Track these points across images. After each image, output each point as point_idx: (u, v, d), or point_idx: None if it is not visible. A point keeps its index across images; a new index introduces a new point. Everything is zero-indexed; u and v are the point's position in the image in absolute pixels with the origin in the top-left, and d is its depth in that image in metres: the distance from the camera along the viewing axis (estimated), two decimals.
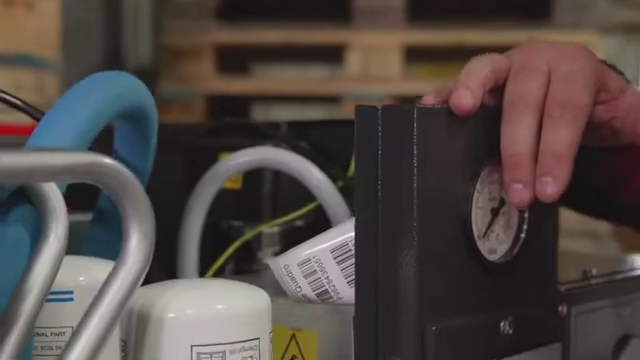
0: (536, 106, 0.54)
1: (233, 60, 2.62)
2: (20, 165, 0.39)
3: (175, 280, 0.50)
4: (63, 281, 0.53)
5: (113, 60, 2.67)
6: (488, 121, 0.55)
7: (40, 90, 1.65)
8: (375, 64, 2.45)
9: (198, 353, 0.45)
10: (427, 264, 0.51)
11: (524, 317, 0.57)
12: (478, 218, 0.55)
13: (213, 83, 2.58)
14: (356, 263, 0.51)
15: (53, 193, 0.47)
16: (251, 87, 2.58)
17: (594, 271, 0.67)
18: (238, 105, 2.57)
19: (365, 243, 0.51)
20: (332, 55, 2.53)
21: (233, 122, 0.76)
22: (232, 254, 0.67)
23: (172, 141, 0.77)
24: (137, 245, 0.43)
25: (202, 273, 0.67)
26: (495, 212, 0.56)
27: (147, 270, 0.44)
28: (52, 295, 0.52)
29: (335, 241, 0.53)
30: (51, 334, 0.53)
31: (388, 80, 2.44)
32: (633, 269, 0.71)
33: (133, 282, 0.43)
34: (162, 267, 0.61)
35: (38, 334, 0.52)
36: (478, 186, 0.54)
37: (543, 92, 0.55)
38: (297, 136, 0.72)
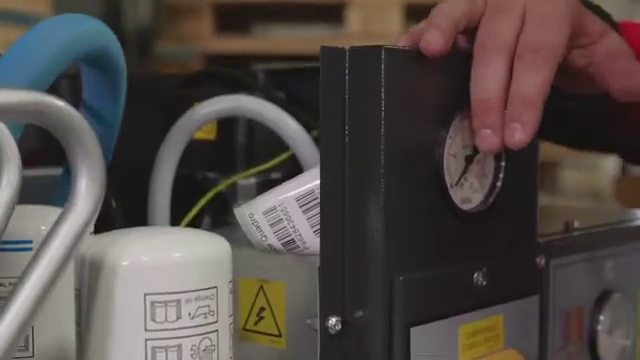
0: (508, 48, 0.52)
1: (232, 19, 2.59)
2: None
3: (132, 228, 0.49)
4: (22, 230, 0.51)
5: (112, 19, 2.64)
6: (463, 65, 0.53)
7: None
8: (375, 22, 2.42)
9: (152, 302, 0.43)
10: (395, 212, 0.49)
11: (499, 268, 0.55)
12: (451, 166, 0.53)
13: (212, 42, 2.55)
14: (321, 211, 0.49)
15: (5, 138, 0.45)
16: (250, 46, 2.55)
17: (576, 223, 0.65)
18: (237, 65, 2.55)
19: (331, 191, 0.49)
20: (332, 14, 2.50)
21: (211, 72, 0.74)
22: (207, 207, 0.66)
23: (150, 91, 0.76)
24: (86, 190, 0.42)
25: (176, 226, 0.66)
26: (469, 160, 0.54)
27: (97, 215, 0.42)
28: (11, 245, 0.51)
29: (301, 189, 0.51)
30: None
31: (389, 38, 2.40)
32: (620, 222, 0.70)
33: (82, 227, 0.42)
34: (128, 219, 0.59)
35: None
36: (451, 132, 0.52)
37: (516, 34, 0.53)
38: (275, 85, 0.70)
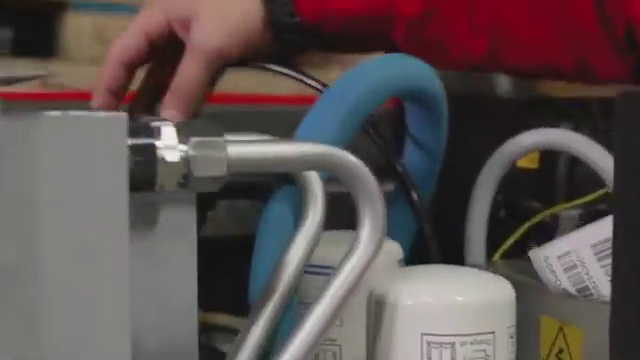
0: None
1: None
2: (257, 156, 0.43)
3: (422, 266, 0.51)
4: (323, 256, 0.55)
5: None
6: None
7: None
8: None
9: (428, 342, 0.45)
10: None
11: None
12: None
13: None
14: (613, 263, 0.47)
15: (315, 181, 0.49)
16: None
17: None
18: None
19: (625, 238, 0.47)
20: None
21: (540, 98, 0.73)
22: (526, 236, 0.66)
23: (484, 115, 0.77)
24: (368, 235, 0.45)
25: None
26: None
27: (377, 255, 0.45)
28: (318, 269, 0.55)
29: (597, 236, 0.50)
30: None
31: None
32: None
33: (362, 268, 0.45)
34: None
35: (303, 302, 0.56)
36: None
37: None
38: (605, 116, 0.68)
